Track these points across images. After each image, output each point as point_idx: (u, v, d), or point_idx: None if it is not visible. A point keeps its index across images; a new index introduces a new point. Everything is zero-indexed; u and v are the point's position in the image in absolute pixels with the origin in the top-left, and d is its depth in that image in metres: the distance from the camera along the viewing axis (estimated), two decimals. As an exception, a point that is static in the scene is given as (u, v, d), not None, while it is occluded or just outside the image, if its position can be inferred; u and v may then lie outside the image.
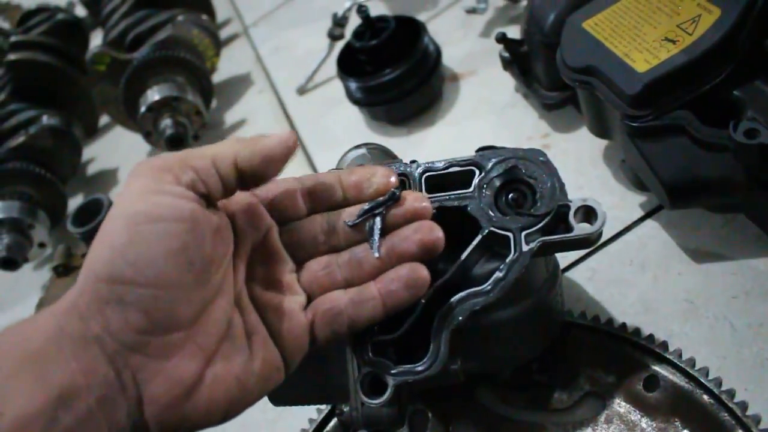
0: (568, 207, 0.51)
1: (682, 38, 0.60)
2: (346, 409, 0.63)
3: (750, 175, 0.57)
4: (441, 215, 0.52)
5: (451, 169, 0.54)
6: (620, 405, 0.60)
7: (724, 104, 0.61)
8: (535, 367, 0.65)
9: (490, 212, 0.52)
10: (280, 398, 0.58)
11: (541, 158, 0.53)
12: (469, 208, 0.52)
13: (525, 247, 0.50)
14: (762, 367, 0.59)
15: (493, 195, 0.53)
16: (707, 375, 0.58)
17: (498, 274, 0.50)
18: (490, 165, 0.53)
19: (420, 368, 0.50)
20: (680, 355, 0.60)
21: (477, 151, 0.56)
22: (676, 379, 0.59)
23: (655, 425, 0.58)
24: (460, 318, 0.50)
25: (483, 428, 0.64)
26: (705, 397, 0.57)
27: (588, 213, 0.51)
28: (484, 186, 0.53)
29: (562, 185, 0.52)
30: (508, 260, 0.50)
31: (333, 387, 0.57)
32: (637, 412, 0.59)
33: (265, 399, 0.75)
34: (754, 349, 0.60)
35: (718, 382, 0.57)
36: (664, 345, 0.61)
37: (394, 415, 0.53)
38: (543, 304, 0.59)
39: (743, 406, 0.55)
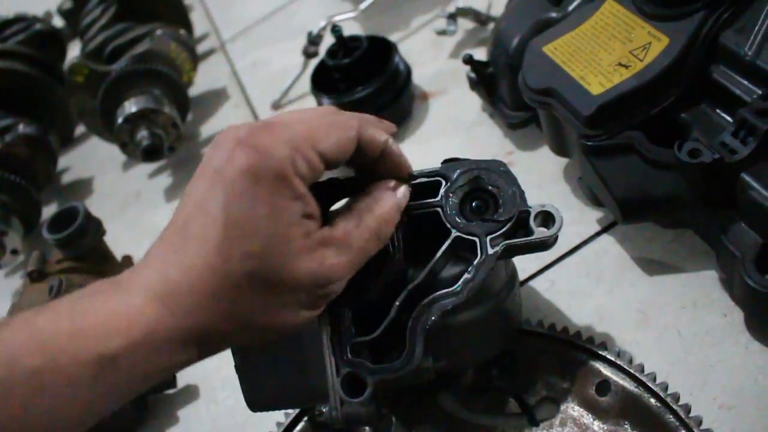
0: (528, 212, 0.56)
1: (634, 64, 0.65)
2: (325, 409, 0.65)
3: (694, 193, 0.61)
4: (410, 223, 0.56)
5: (419, 180, 0.58)
6: (574, 409, 0.63)
7: (673, 126, 0.65)
8: (494, 373, 0.68)
9: (457, 219, 0.56)
10: (257, 403, 0.60)
11: (501, 168, 0.58)
12: (437, 216, 0.56)
13: (490, 250, 0.54)
14: (706, 373, 0.62)
15: (459, 203, 0.56)
16: (654, 380, 0.61)
17: (467, 276, 0.54)
18: (455, 175, 0.57)
19: (397, 366, 0.53)
20: (630, 362, 0.63)
21: (443, 162, 0.60)
22: (626, 384, 0.62)
23: (606, 428, 0.61)
24: (434, 317, 0.54)
25: (444, 431, 0.67)
26: (652, 400, 0.60)
27: (546, 217, 0.56)
28: (450, 195, 0.57)
29: (522, 192, 0.56)
30: (475, 262, 0.54)
31: (311, 389, 0.59)
32: (590, 415, 0.63)
33: (236, 403, 0.77)
34: (700, 356, 0.64)
35: (665, 387, 0.60)
36: (616, 352, 0.64)
37: (372, 413, 0.56)
38: (503, 306, 0.62)
39: (686, 408, 0.59)
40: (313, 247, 0.46)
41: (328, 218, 0.51)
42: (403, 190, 0.54)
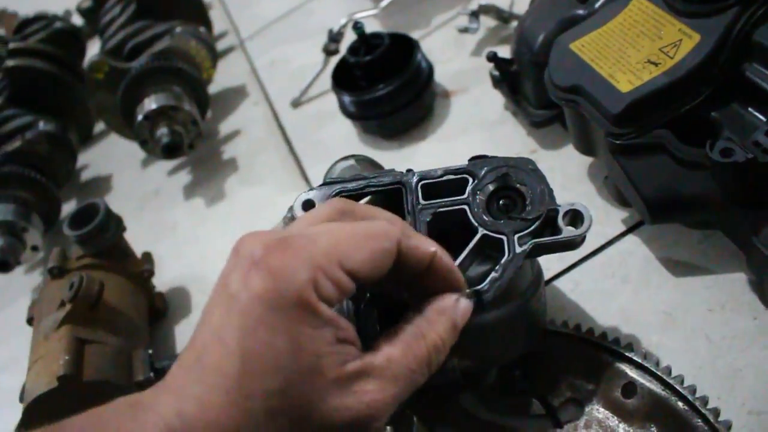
0: (557, 211, 0.55)
1: (664, 61, 0.63)
2: None
3: (725, 193, 0.60)
4: (436, 221, 0.55)
5: (445, 177, 0.57)
6: (599, 411, 0.62)
7: (703, 125, 0.64)
8: (517, 374, 0.67)
9: (484, 217, 0.55)
10: None
11: (530, 166, 0.57)
12: (465, 214, 0.55)
13: (518, 249, 0.53)
14: (734, 377, 0.61)
15: (486, 201, 0.55)
16: (682, 383, 0.60)
17: (494, 275, 0.53)
18: (482, 173, 0.57)
19: None
20: (657, 364, 0.62)
21: (470, 160, 0.59)
22: (653, 387, 0.61)
23: (632, 431, 0.60)
24: None
25: (466, 432, 0.66)
26: (680, 404, 0.59)
27: (575, 216, 0.55)
28: (478, 192, 0.56)
29: (550, 191, 0.55)
30: (503, 261, 0.53)
31: None
32: (615, 418, 0.62)
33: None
34: (728, 359, 0.62)
35: (693, 390, 0.59)
36: (642, 354, 0.63)
37: (393, 413, 0.56)
38: (528, 306, 0.61)
39: (715, 412, 0.57)
40: (349, 380, 0.40)
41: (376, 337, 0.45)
42: (463, 307, 0.48)
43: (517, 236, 0.54)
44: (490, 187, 0.56)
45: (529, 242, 0.54)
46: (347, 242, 0.42)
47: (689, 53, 0.62)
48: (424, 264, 0.46)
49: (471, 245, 0.54)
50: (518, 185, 0.56)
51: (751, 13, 0.60)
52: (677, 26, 0.64)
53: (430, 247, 0.46)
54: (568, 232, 0.54)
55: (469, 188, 0.56)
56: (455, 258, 0.54)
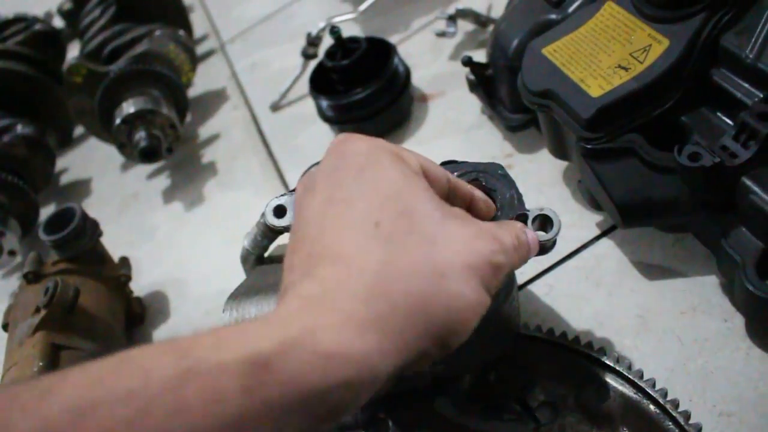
0: (526, 216, 0.55)
1: (634, 66, 0.64)
2: None
3: (695, 197, 0.60)
4: None
5: None
6: (572, 415, 0.63)
7: (673, 129, 0.64)
8: (492, 378, 0.67)
9: None
10: None
11: (500, 171, 0.57)
12: None
13: None
14: (706, 379, 0.62)
15: None
16: (654, 386, 0.60)
17: None
18: None
19: None
20: (630, 367, 0.62)
21: (441, 164, 0.59)
22: (625, 390, 0.61)
23: (604, 434, 0.61)
24: None
25: (441, 436, 0.67)
26: (651, 407, 0.60)
27: (545, 221, 0.55)
28: None
29: (520, 196, 0.56)
30: None
31: None
32: (588, 421, 0.62)
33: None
34: (699, 362, 0.63)
35: (664, 393, 0.60)
36: (615, 357, 0.63)
37: (364, 419, 0.56)
38: (500, 310, 0.62)
39: (686, 415, 0.58)
40: (464, 218, 0.47)
41: None
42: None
43: None
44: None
45: None
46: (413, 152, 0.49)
47: (658, 58, 0.63)
48: (469, 196, 0.53)
49: None
50: (488, 190, 0.56)
51: (718, 19, 0.61)
52: (647, 31, 0.65)
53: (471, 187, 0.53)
54: (537, 236, 0.54)
55: None
56: None
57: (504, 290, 0.62)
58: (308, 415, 0.34)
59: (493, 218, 0.55)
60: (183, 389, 0.32)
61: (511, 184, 0.56)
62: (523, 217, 0.55)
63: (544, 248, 0.55)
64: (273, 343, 0.34)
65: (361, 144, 0.46)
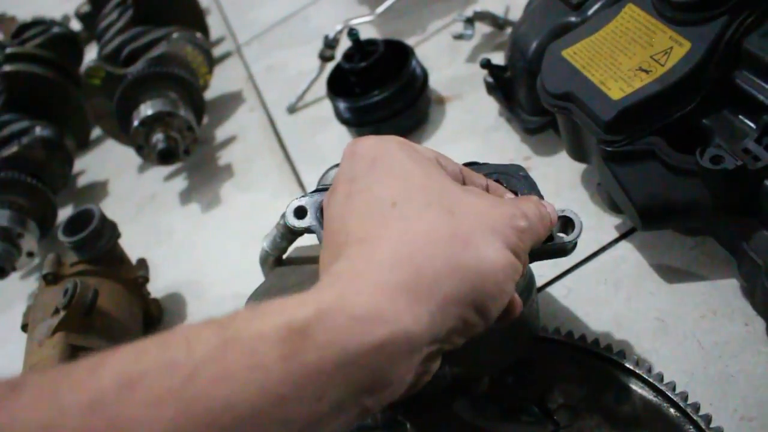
0: None
1: (655, 69, 0.64)
2: None
3: (716, 200, 0.60)
4: None
5: None
6: (592, 417, 0.63)
7: (694, 132, 0.64)
8: (510, 380, 0.67)
9: None
10: None
11: (521, 173, 0.57)
12: None
13: None
14: (726, 383, 0.61)
15: None
16: (674, 389, 0.60)
17: None
18: None
19: None
20: (650, 370, 0.62)
21: (463, 165, 0.59)
22: (645, 393, 0.61)
23: (624, 437, 0.61)
24: None
25: (460, 438, 0.67)
26: (672, 410, 0.59)
27: (566, 223, 0.55)
28: None
29: (541, 197, 0.55)
30: None
31: None
32: (608, 424, 0.62)
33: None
34: (720, 366, 0.63)
35: (684, 396, 0.59)
36: (635, 360, 0.63)
37: (385, 419, 0.56)
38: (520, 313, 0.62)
39: (707, 419, 0.58)
40: (479, 193, 0.47)
41: None
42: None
43: None
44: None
45: None
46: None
47: (680, 61, 0.63)
48: (483, 188, 0.52)
49: None
50: (510, 191, 0.56)
51: (741, 21, 0.60)
52: (668, 34, 0.65)
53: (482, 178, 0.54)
54: (558, 238, 0.55)
55: None
56: None
57: (524, 292, 0.62)
58: (347, 381, 0.35)
59: None
60: (224, 358, 0.33)
61: (532, 185, 0.56)
62: None
63: (565, 250, 0.55)
64: (308, 310, 0.35)
65: (369, 140, 0.48)
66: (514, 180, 0.56)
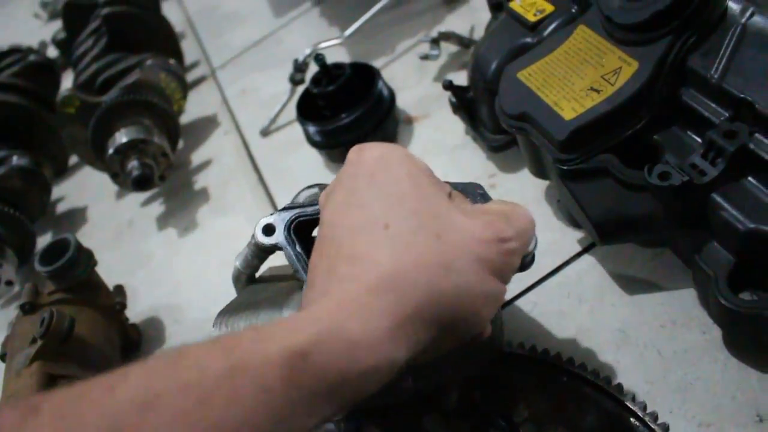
0: None
1: (605, 88, 0.66)
2: None
3: (668, 214, 0.62)
4: None
5: None
6: (556, 429, 0.64)
7: (646, 148, 0.66)
8: (477, 396, 0.68)
9: None
10: None
11: (479, 191, 0.59)
12: None
13: None
14: (685, 390, 0.63)
15: None
16: (634, 399, 0.62)
17: None
18: None
19: None
20: (610, 382, 0.64)
21: None
22: (606, 404, 0.63)
23: (587, 448, 0.62)
24: None
25: (429, 454, 0.68)
26: (632, 420, 0.61)
27: None
28: None
29: None
30: None
31: None
32: (572, 436, 0.63)
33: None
34: (679, 374, 0.64)
35: (643, 406, 0.61)
36: (595, 372, 0.65)
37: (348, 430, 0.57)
38: None
39: (665, 427, 0.59)
40: (470, 212, 0.48)
41: None
42: None
43: None
44: None
45: None
46: None
47: (629, 80, 0.65)
48: None
49: None
50: None
51: (684, 41, 0.62)
52: (617, 54, 0.67)
53: None
54: None
55: None
56: None
57: None
58: (334, 401, 0.39)
59: None
60: (234, 381, 0.35)
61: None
62: None
63: (523, 265, 0.57)
64: (309, 336, 0.38)
65: (373, 150, 0.50)
66: (470, 198, 0.58)
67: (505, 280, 0.48)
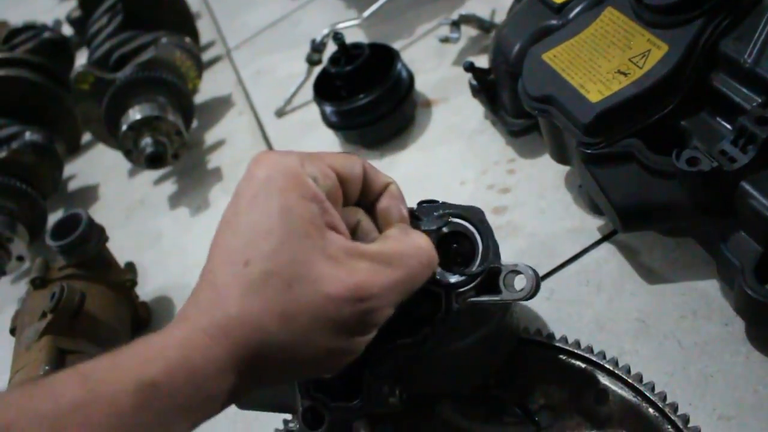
0: (499, 270, 0.54)
1: (633, 71, 0.64)
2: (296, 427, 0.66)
3: (694, 201, 0.60)
4: None
5: None
6: (572, 417, 0.63)
7: (672, 133, 0.64)
8: (492, 382, 0.67)
9: None
10: (244, 404, 0.62)
11: (479, 217, 0.56)
12: None
13: (454, 306, 0.53)
14: (705, 383, 0.62)
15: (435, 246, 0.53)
16: (653, 389, 0.61)
17: (427, 329, 0.53)
18: (428, 219, 0.56)
19: (354, 407, 0.54)
20: (629, 371, 0.62)
21: (418, 204, 0.58)
22: (625, 394, 0.61)
23: (604, 437, 0.61)
24: (389, 368, 0.54)
25: (442, 440, 0.67)
26: (650, 410, 0.60)
27: (518, 275, 0.54)
28: None
29: (496, 247, 0.55)
30: (437, 316, 0.53)
31: (289, 400, 0.60)
32: (588, 424, 0.62)
33: (235, 410, 0.78)
34: (699, 366, 0.63)
35: (663, 396, 0.60)
36: (614, 361, 0.63)
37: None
38: (499, 328, 0.62)
39: (684, 419, 0.58)
40: (339, 257, 0.45)
41: None
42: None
43: (455, 292, 0.53)
44: (437, 235, 0.55)
45: (467, 300, 0.54)
46: (325, 152, 0.51)
47: (657, 63, 0.63)
48: (383, 187, 0.53)
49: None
50: (463, 236, 0.56)
51: (717, 24, 0.61)
52: (646, 36, 0.65)
53: (386, 177, 0.54)
54: (508, 294, 0.54)
55: None
56: None
57: (503, 308, 0.62)
58: (185, 420, 0.42)
59: (471, 265, 0.54)
60: (88, 409, 0.39)
61: (488, 232, 0.55)
62: (495, 270, 0.54)
63: (525, 297, 0.54)
64: (159, 368, 0.41)
65: (264, 168, 0.47)
66: (471, 225, 0.55)
67: (363, 333, 0.47)
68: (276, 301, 0.44)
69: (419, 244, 0.50)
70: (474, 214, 0.56)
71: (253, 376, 0.45)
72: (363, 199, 0.53)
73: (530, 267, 0.54)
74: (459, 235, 0.56)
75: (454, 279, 0.54)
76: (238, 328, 0.43)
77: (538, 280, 0.53)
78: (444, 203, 0.57)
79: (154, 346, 0.43)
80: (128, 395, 0.39)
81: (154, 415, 0.40)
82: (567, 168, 0.83)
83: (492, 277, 0.54)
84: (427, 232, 0.53)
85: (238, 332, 0.43)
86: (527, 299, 0.54)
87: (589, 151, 0.65)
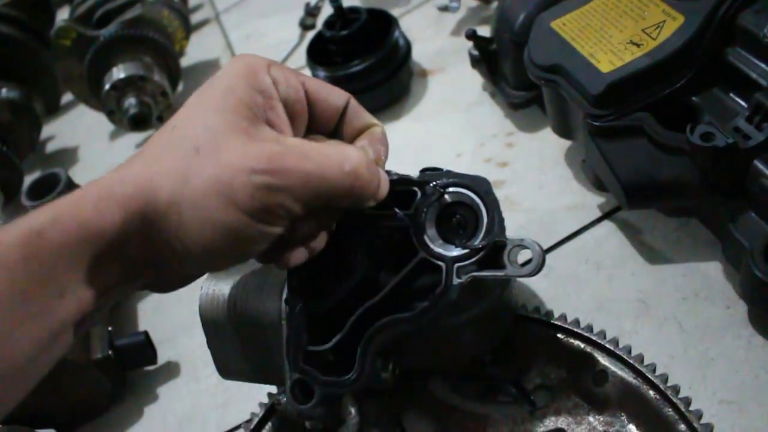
0: (504, 244, 0.51)
1: (647, 42, 0.62)
2: (283, 401, 0.63)
3: (704, 179, 0.59)
4: (382, 230, 0.52)
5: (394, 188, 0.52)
6: (570, 398, 0.61)
7: (683, 109, 0.62)
8: (487, 360, 0.65)
9: (427, 236, 0.51)
10: (227, 373, 0.60)
11: (485, 188, 0.53)
12: (408, 231, 0.52)
13: (455, 280, 0.50)
14: (706, 366, 0.61)
15: (435, 218, 0.52)
16: (654, 371, 0.59)
17: (426, 304, 0.50)
18: (431, 189, 0.52)
19: (345, 382, 0.51)
20: (629, 352, 0.61)
21: (421, 171, 0.55)
22: (625, 375, 0.60)
23: (602, 419, 0.59)
24: (384, 342, 0.51)
25: (433, 417, 0.65)
26: (651, 392, 0.58)
27: (524, 251, 0.51)
28: (425, 210, 0.52)
29: (501, 221, 0.51)
30: (436, 292, 0.50)
31: (275, 373, 0.57)
32: (586, 405, 0.60)
33: (219, 382, 0.75)
34: (700, 348, 0.62)
35: (664, 378, 0.58)
36: (615, 341, 0.62)
37: (324, 414, 0.54)
38: (497, 304, 0.59)
39: (686, 401, 0.56)
40: (258, 137, 0.45)
41: None
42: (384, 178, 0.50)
43: (456, 266, 0.50)
44: (439, 205, 0.52)
45: (469, 275, 0.50)
46: (313, 78, 0.52)
47: (672, 35, 0.61)
48: (365, 127, 0.53)
49: (407, 269, 0.51)
50: (468, 207, 0.52)
51: (736, -4, 0.59)
52: (661, 7, 0.63)
53: (340, 98, 0.52)
54: (513, 270, 0.50)
55: (416, 202, 0.52)
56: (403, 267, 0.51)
57: (502, 283, 0.59)
58: (74, 271, 0.41)
59: (473, 238, 0.51)
60: None
61: (494, 204, 0.52)
62: (500, 244, 0.51)
63: (527, 273, 0.51)
64: (45, 217, 0.41)
65: (234, 62, 0.48)
66: (476, 196, 0.52)
67: (265, 221, 0.45)
68: (181, 164, 0.44)
69: (348, 154, 0.47)
70: (480, 185, 0.53)
71: (145, 237, 0.43)
72: (341, 134, 0.53)
73: (536, 242, 0.51)
74: (462, 205, 0.53)
75: (456, 252, 0.51)
76: (131, 184, 0.43)
77: (544, 257, 0.51)
78: (448, 171, 0.55)
79: (47, 205, 0.43)
80: (15, 246, 0.39)
81: (40, 265, 0.40)
82: (568, 143, 0.81)
83: (496, 251, 0.51)
84: (398, 182, 0.52)
85: (130, 188, 0.43)
86: (532, 275, 0.51)
87: (597, 124, 0.63)
